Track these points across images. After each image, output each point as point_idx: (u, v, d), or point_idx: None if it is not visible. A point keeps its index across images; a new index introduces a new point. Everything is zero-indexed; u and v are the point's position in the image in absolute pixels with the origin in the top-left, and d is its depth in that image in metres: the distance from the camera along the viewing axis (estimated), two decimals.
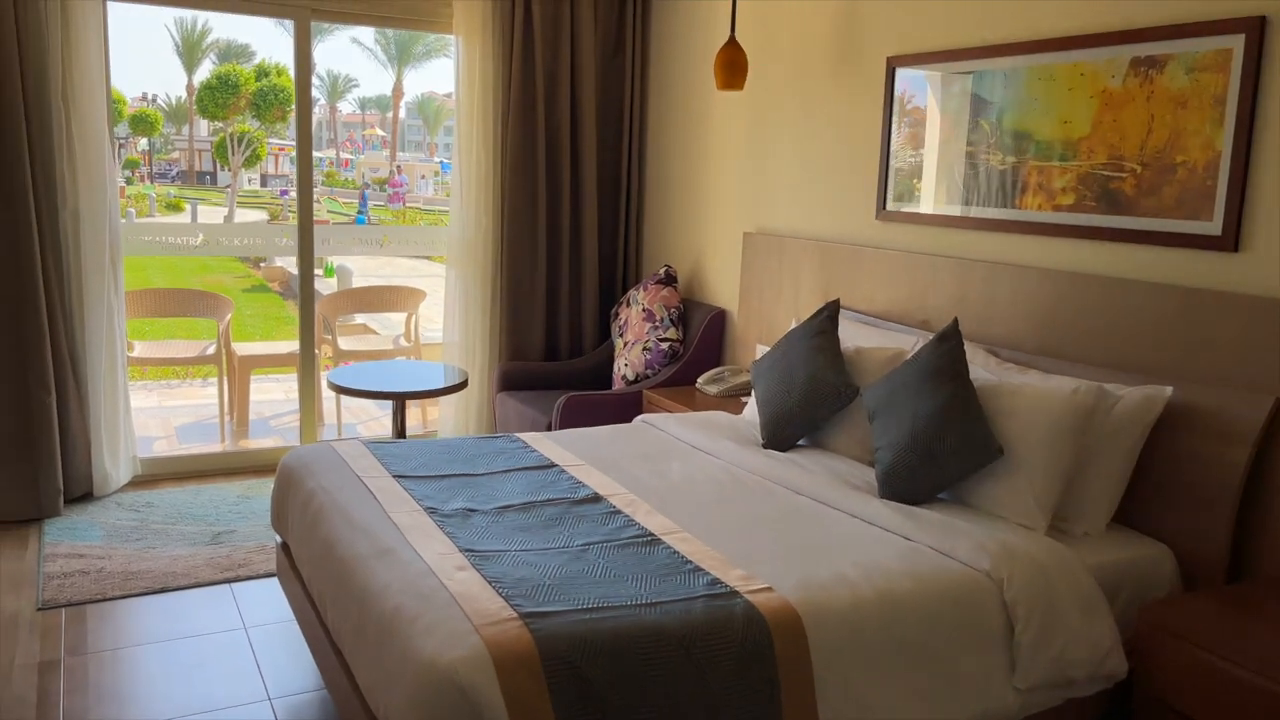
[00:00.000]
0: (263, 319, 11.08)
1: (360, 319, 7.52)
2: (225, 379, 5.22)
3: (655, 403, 4.07)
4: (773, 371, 3.21)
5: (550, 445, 3.15)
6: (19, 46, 3.70)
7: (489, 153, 4.70)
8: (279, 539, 3.00)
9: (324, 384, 4.79)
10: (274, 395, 6.53)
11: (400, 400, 4.04)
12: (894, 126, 3.47)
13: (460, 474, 2.82)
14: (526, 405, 4.38)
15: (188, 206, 25.70)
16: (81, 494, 4.10)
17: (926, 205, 3.38)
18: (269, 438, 5.26)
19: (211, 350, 5.16)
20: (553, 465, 2.93)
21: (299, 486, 2.76)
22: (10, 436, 3.85)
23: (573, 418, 4.07)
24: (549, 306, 4.90)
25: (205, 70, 26.59)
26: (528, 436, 3.26)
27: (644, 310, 4.54)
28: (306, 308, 4.74)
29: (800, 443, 3.17)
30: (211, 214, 24.67)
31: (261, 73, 24.31)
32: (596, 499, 2.63)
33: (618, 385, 4.55)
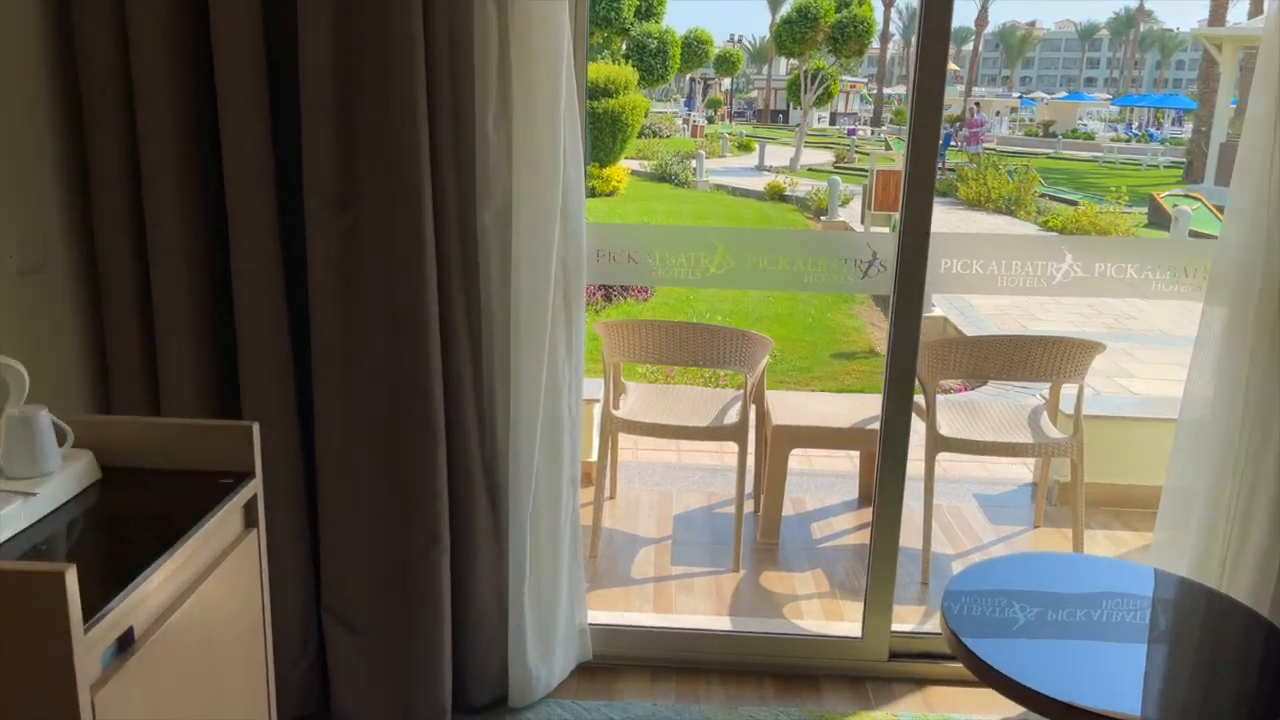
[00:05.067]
0: (819, 303, 9.16)
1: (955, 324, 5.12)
2: (751, 459, 3.28)
3: None
4: None
5: None
6: None
7: None
8: None
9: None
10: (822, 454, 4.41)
11: None
12: None
13: None
14: None
15: (757, 147, 25.18)
16: (489, 701, 2.39)
17: None
18: (812, 569, 3.20)
19: (734, 416, 3.22)
20: None
21: None
22: (376, 613, 2.21)
23: None
24: None
25: (788, 7, 25.60)
26: None
27: None
28: (901, 378, 2.51)
29: None
30: (780, 154, 23.82)
31: (843, 3, 22.46)
32: None
33: None
